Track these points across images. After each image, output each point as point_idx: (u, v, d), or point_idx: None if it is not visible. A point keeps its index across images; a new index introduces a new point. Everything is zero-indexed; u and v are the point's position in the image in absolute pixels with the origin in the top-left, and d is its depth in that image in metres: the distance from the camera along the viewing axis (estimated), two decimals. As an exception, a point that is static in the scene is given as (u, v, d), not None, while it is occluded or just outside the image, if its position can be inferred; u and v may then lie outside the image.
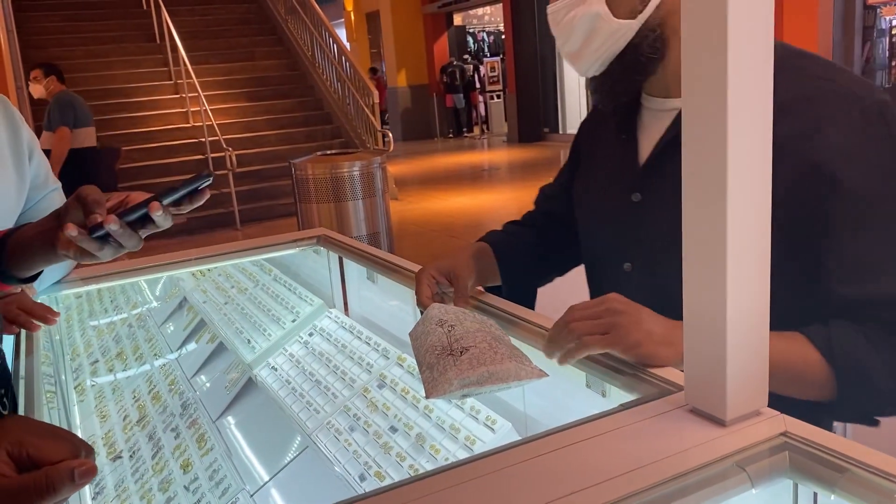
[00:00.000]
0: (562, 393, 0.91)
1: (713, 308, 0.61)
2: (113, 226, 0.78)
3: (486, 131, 15.55)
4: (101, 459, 1.49)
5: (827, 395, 0.83)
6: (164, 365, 1.81)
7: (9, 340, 1.19)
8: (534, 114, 13.10)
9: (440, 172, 10.76)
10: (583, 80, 1.06)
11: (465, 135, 15.41)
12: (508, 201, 8.26)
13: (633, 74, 0.98)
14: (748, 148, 0.59)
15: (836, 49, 7.87)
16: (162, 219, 0.80)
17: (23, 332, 1.22)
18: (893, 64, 7.82)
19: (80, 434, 1.61)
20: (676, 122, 0.96)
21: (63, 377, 1.77)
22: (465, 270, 1.08)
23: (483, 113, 15.70)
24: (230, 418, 1.51)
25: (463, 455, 0.96)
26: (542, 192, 1.29)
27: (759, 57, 0.58)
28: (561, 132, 13.07)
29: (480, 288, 1.13)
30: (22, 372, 1.17)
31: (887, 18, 7.83)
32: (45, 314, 1.22)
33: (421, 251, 6.10)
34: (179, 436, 1.51)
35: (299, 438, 1.28)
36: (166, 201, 0.79)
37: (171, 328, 2.01)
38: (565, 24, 0.96)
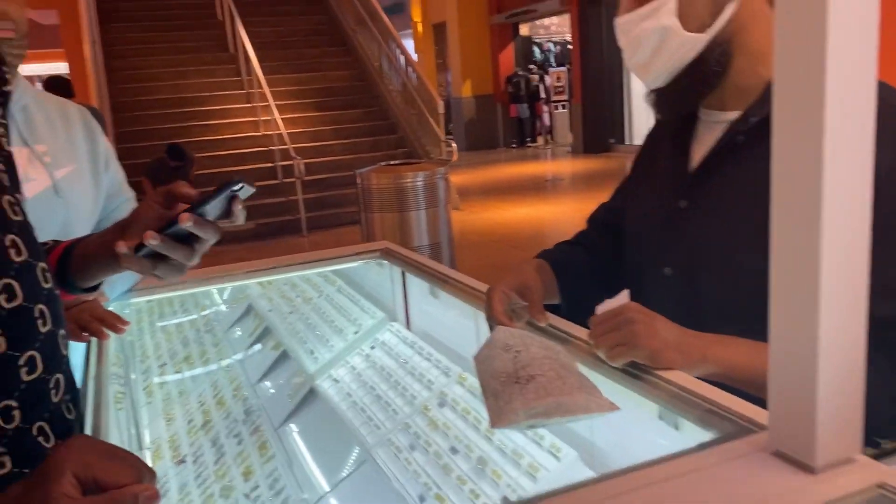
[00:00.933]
0: (632, 423, 0.87)
1: (803, 340, 0.56)
2: (153, 241, 0.77)
3: (550, 141, 15.44)
4: (166, 463, 1.51)
5: None
6: (229, 370, 1.84)
7: (80, 347, 1.22)
8: (600, 124, 12.95)
9: (503, 182, 10.73)
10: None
11: (529, 145, 15.35)
12: (572, 213, 8.16)
13: (698, 87, 0.99)
14: (846, 164, 0.54)
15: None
16: (199, 230, 0.78)
17: (93, 339, 1.24)
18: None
19: (146, 436, 1.64)
20: (727, 133, 0.98)
21: (133, 377, 1.81)
22: (535, 283, 1.08)
23: (547, 123, 15.59)
24: (292, 426, 1.51)
25: (525, 482, 0.93)
26: (599, 210, 1.29)
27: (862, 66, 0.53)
28: (627, 143, 12.88)
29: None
30: (93, 373, 1.20)
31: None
32: (115, 323, 1.24)
33: (482, 262, 6.08)
34: (242, 442, 1.52)
35: (359, 452, 1.27)
36: (199, 211, 0.78)
37: (237, 334, 2.04)
38: (635, 36, 0.98)
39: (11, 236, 0.74)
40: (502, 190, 9.96)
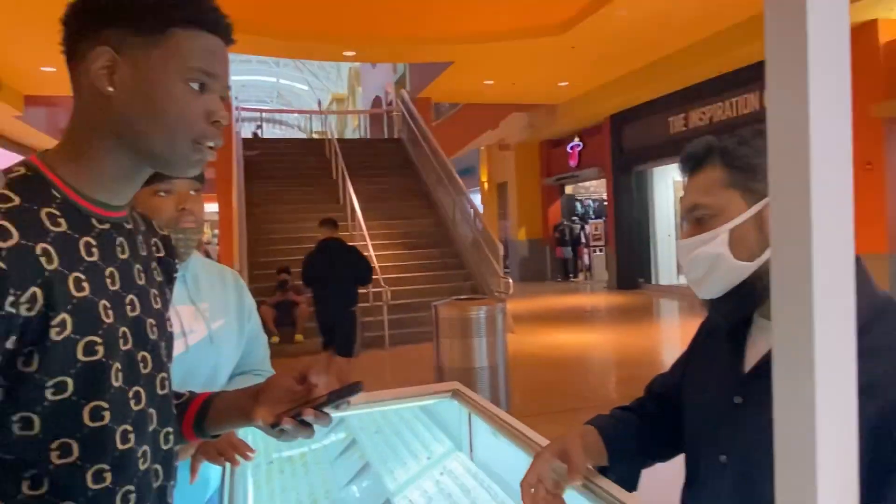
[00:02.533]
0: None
1: None
2: (287, 426, 0.81)
3: (589, 278, 15.33)
4: None
5: None
6: (323, 473, 1.82)
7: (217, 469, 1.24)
8: (630, 266, 12.84)
9: (550, 311, 10.61)
10: (672, 241, 0.98)
11: (572, 280, 15.27)
12: (607, 341, 7.97)
13: (748, 304, 0.92)
14: (834, 362, 0.54)
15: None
16: (317, 421, 0.81)
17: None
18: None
19: None
20: None
21: (248, 471, 1.80)
22: (576, 448, 1.01)
23: (587, 263, 15.58)
24: None
25: None
26: (655, 380, 1.19)
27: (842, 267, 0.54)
28: (653, 283, 12.68)
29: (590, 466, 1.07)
30: (227, 486, 1.22)
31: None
32: (245, 451, 1.25)
33: (533, 382, 5.93)
34: None
35: None
36: (325, 408, 0.81)
37: (331, 442, 2.03)
38: (691, 258, 0.93)
39: (153, 410, 0.79)
40: (550, 317, 9.84)
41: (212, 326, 1.36)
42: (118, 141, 0.74)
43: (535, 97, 12.93)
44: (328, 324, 5.70)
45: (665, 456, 1.12)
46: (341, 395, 0.80)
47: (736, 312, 0.94)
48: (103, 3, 0.72)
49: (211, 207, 14.79)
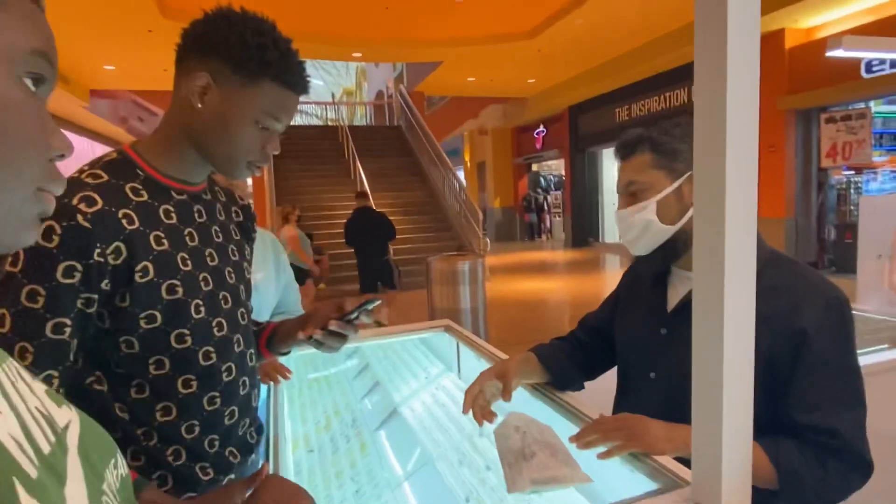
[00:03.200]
0: (614, 475, 0.83)
1: (714, 432, 0.58)
2: (316, 335, 0.83)
3: (549, 238, 15.38)
4: (300, 451, 1.51)
5: (770, 486, 0.77)
6: (342, 390, 1.84)
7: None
8: (582, 228, 12.90)
9: (520, 264, 10.66)
10: (615, 209, 1.02)
11: (536, 239, 15.31)
12: (563, 286, 8.07)
13: (670, 257, 0.96)
14: (739, 305, 0.56)
15: (797, 197, 7.35)
16: (343, 329, 0.83)
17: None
18: (841, 207, 7.21)
19: (288, 429, 1.65)
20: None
21: (285, 389, 1.83)
22: (510, 372, 1.04)
23: (548, 226, 15.60)
24: (381, 434, 1.50)
25: (535, 497, 0.91)
26: (587, 317, 1.22)
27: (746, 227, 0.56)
28: (600, 241, 12.76)
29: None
30: (272, 398, 1.24)
31: (834, 177, 7.27)
32: (284, 372, 1.28)
33: (506, 318, 6.01)
34: (350, 441, 1.50)
35: (424, 459, 1.26)
36: (348, 318, 0.83)
37: (349, 366, 2.05)
38: (627, 223, 0.96)
39: (238, 336, 0.81)
40: (519, 269, 9.88)
41: (256, 277, 1.37)
42: (192, 143, 0.74)
43: (508, 91, 12.70)
44: (365, 270, 6.17)
45: (592, 374, 1.16)
46: (360, 306, 0.82)
47: (662, 264, 0.98)
48: (218, 39, 0.70)
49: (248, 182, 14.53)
